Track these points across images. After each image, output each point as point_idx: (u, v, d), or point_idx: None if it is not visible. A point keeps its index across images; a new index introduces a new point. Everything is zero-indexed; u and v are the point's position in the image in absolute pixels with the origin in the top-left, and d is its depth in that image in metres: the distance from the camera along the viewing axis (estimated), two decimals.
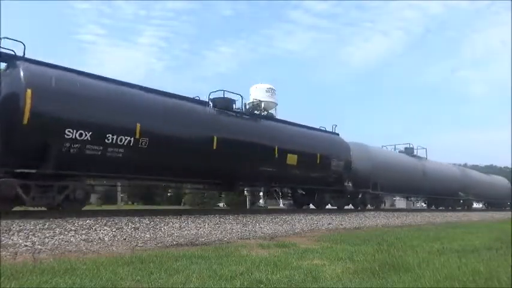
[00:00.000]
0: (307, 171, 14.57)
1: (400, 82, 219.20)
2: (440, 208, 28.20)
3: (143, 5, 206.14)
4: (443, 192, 26.26)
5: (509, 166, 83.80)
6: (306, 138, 14.94)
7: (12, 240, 5.98)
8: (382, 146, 23.58)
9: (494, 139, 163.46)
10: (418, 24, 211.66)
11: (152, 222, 8.41)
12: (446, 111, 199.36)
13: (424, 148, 25.74)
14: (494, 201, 36.63)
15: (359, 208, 18.36)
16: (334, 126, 17.27)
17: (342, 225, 12.00)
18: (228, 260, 4.79)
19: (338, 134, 17.38)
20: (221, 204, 38.14)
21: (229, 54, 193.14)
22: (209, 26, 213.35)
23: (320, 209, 16.03)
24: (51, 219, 7.52)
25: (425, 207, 30.98)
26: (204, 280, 3.65)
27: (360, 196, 18.30)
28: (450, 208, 27.89)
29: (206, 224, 9.09)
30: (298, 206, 16.87)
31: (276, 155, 12.91)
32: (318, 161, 14.70)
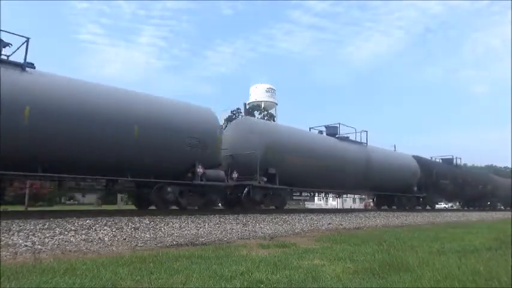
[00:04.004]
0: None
1: (400, 82, 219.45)
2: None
3: (143, 4, 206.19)
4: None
5: (509, 166, 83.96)
6: None
7: (12, 240, 5.98)
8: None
9: (494, 139, 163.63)
10: (418, 24, 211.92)
11: (152, 222, 8.41)
12: (447, 111, 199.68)
13: None
14: (385, 193, 21.27)
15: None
16: None
17: (342, 225, 12.00)
18: (228, 260, 4.78)
19: None
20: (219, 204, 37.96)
21: (229, 54, 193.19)
22: (209, 25, 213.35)
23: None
24: (51, 219, 7.53)
25: None
26: (204, 280, 3.64)
27: None
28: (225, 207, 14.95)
29: (206, 224, 9.10)
30: None
31: None
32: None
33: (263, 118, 48.51)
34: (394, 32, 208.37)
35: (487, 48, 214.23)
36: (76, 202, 44.04)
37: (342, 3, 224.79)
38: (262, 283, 3.60)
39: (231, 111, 47.33)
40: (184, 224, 8.83)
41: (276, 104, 67.65)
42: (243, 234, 8.49)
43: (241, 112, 48.38)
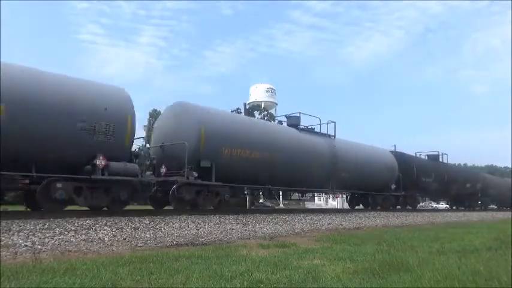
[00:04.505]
0: None
1: (400, 82, 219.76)
2: None
3: (143, 4, 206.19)
4: None
5: (509, 166, 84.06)
6: None
7: (12, 240, 5.98)
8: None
9: (494, 139, 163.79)
10: (418, 24, 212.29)
11: (152, 222, 8.42)
12: (447, 111, 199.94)
13: None
14: (355, 192, 19.85)
15: None
16: None
17: (342, 225, 12.00)
18: (228, 260, 4.79)
19: None
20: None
21: (229, 54, 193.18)
22: (209, 25, 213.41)
23: None
24: (51, 219, 7.53)
25: None
26: (204, 280, 3.65)
27: None
28: None
29: (206, 224, 9.10)
30: None
31: None
32: None
33: (263, 118, 48.49)
34: (394, 32, 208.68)
35: (487, 48, 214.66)
36: None
37: (342, 3, 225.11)
38: (262, 283, 3.60)
39: (231, 112, 47.35)
40: (184, 224, 8.83)
41: (276, 104, 67.60)
42: (243, 234, 8.50)
43: (241, 112, 48.42)
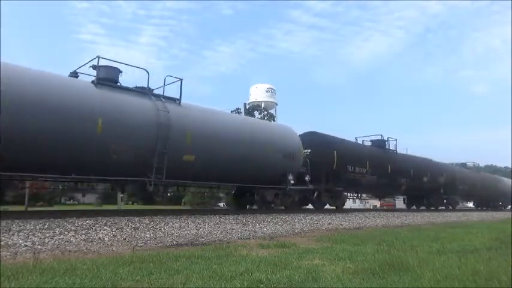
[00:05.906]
0: None
1: (400, 82, 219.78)
2: None
3: (143, 4, 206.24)
4: None
5: (509, 166, 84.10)
6: None
7: (12, 240, 5.98)
8: None
9: (494, 139, 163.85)
10: (418, 24, 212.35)
11: (152, 222, 8.41)
12: (447, 111, 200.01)
13: None
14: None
15: None
16: None
17: (341, 225, 12.00)
18: (228, 260, 4.79)
19: None
20: (221, 204, 38.08)
21: (229, 53, 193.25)
22: (209, 25, 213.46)
23: None
24: (51, 219, 7.53)
25: None
26: (204, 280, 3.65)
27: None
28: None
29: (206, 224, 9.10)
30: None
31: None
32: None
33: (263, 118, 48.45)
34: (394, 32, 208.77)
35: (487, 48, 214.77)
36: (76, 202, 44.06)
37: (342, 3, 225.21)
38: (262, 283, 3.60)
39: (231, 112, 47.29)
40: (184, 224, 8.83)
41: (276, 104, 67.62)
42: (243, 234, 8.49)
43: (241, 112, 48.35)
